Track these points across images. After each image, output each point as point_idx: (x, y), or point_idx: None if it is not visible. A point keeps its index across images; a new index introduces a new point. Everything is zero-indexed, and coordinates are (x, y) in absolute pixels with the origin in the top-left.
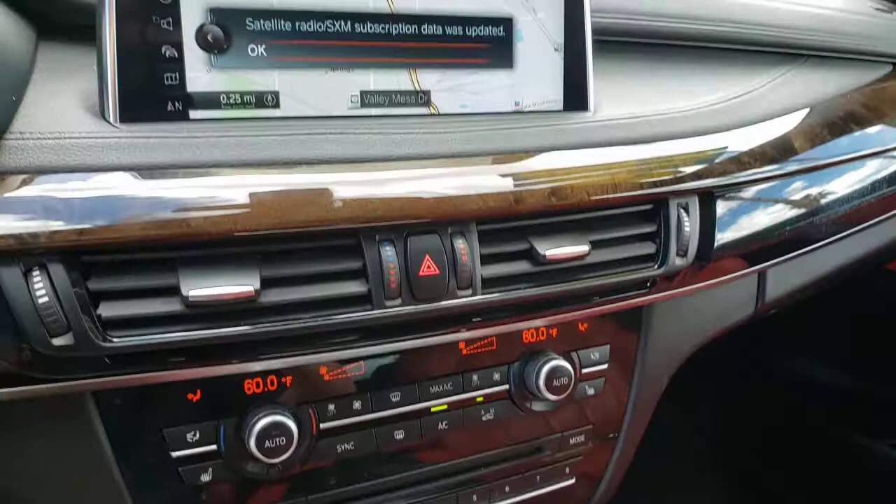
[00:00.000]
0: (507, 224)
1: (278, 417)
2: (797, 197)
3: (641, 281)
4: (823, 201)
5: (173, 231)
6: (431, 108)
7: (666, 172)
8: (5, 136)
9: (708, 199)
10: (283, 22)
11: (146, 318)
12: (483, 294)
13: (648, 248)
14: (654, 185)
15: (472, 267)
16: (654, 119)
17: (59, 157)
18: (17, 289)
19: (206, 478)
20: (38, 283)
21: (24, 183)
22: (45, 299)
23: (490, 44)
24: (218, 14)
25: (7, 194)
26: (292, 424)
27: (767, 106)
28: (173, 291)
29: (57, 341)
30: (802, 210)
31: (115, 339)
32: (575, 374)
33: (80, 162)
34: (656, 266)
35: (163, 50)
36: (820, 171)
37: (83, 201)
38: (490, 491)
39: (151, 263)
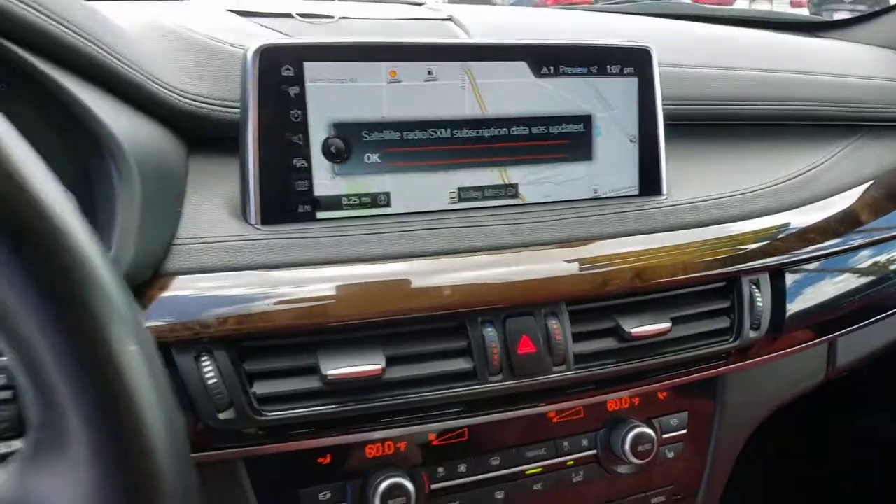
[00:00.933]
0: (593, 304)
1: (399, 479)
2: (865, 266)
3: (717, 353)
4: (892, 269)
5: (315, 319)
6: (519, 199)
7: (737, 252)
8: (173, 241)
9: (778, 274)
10: (393, 132)
11: (292, 395)
12: (575, 369)
13: (723, 323)
14: (726, 263)
15: (566, 344)
16: (722, 201)
17: (217, 259)
18: (191, 372)
19: None
20: (208, 366)
21: (194, 282)
22: (214, 380)
23: (571, 139)
24: (339, 128)
25: (180, 293)
26: (410, 486)
27: (831, 180)
28: (313, 371)
29: (222, 416)
30: (871, 279)
31: (268, 414)
32: (657, 439)
33: (235, 262)
34: (731, 339)
35: (294, 161)
36: (888, 242)
37: (242, 296)
38: None
39: (294, 347)
